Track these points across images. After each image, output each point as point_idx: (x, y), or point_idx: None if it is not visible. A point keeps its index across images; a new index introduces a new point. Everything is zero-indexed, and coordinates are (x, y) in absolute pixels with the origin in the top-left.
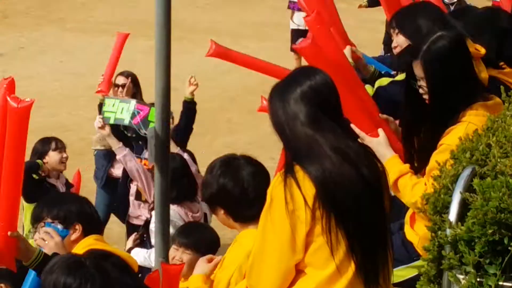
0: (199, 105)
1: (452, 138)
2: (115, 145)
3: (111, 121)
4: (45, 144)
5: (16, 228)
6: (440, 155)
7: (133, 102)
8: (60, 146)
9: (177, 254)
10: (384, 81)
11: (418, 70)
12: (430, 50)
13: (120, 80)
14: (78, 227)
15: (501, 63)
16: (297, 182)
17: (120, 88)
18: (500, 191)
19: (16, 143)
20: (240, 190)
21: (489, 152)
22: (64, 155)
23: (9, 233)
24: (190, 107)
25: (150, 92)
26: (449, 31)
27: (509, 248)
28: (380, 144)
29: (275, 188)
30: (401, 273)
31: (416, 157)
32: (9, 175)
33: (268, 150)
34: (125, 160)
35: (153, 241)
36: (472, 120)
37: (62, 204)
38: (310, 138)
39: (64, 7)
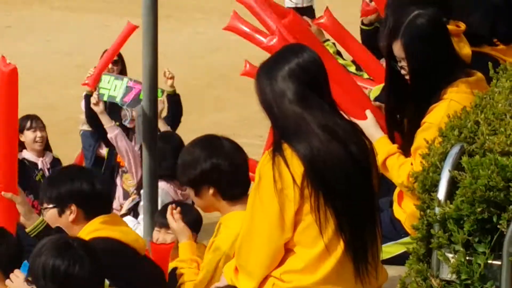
0: (186, 82)
1: (434, 116)
2: (108, 123)
3: (105, 98)
4: (21, 122)
5: (15, 191)
6: (424, 133)
7: (126, 79)
8: (35, 126)
9: (160, 235)
10: (376, 90)
11: (398, 50)
12: (409, 29)
13: None
14: (73, 208)
15: (495, 40)
16: (285, 161)
17: (112, 66)
18: (488, 169)
19: (8, 105)
20: (232, 167)
21: (477, 130)
22: (39, 134)
23: (2, 193)
24: (174, 99)
25: (137, 71)
26: (426, 9)
27: (498, 226)
28: (368, 126)
29: (264, 167)
30: (389, 250)
31: (401, 137)
32: (3, 137)
33: (256, 128)
34: (116, 140)
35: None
36: (454, 97)
37: (54, 185)
38: (298, 116)
39: None
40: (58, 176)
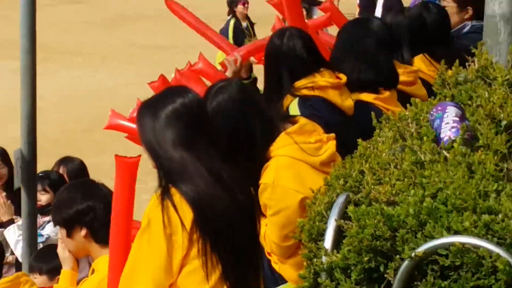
0: (66, 126)
1: (267, 176)
2: None
3: None
4: None
5: None
6: (263, 195)
7: None
8: None
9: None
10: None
11: None
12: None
13: None
14: None
15: (380, 88)
16: (174, 205)
17: None
18: (375, 218)
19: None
20: (107, 210)
21: (362, 179)
22: None
23: None
24: None
25: (15, 114)
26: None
27: (385, 275)
28: None
29: (153, 211)
30: None
31: None
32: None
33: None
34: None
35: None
36: (279, 153)
37: None
38: (183, 159)
39: None
40: None
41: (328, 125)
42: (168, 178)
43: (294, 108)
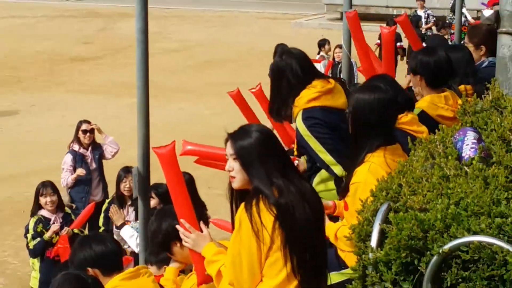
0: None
1: (359, 176)
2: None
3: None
4: (37, 189)
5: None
6: (355, 195)
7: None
8: (45, 193)
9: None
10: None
11: None
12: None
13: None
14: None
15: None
16: (259, 211)
17: (88, 134)
18: (410, 222)
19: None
20: None
21: (400, 191)
22: (48, 199)
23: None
24: None
25: (133, 139)
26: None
27: (419, 268)
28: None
29: (243, 215)
30: (333, 278)
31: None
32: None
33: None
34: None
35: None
36: (374, 161)
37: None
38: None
39: (66, 73)
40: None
41: (336, 129)
42: (258, 190)
43: (299, 121)
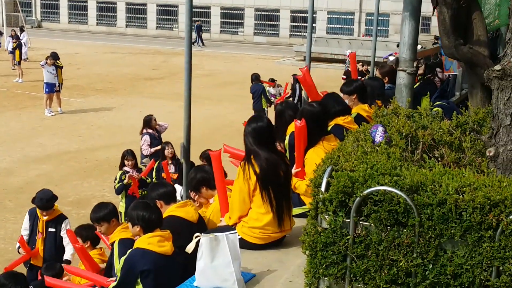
0: (205, 130)
1: (307, 155)
2: None
3: None
4: (123, 154)
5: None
6: (308, 164)
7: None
8: (128, 157)
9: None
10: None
11: None
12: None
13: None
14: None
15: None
16: (250, 167)
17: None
18: (344, 178)
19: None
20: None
21: (339, 159)
22: (129, 162)
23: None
24: None
25: (181, 125)
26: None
27: (348, 204)
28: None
29: (239, 168)
30: (296, 210)
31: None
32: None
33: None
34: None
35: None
36: (322, 145)
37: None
38: (254, 150)
39: (142, 86)
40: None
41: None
42: (249, 156)
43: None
